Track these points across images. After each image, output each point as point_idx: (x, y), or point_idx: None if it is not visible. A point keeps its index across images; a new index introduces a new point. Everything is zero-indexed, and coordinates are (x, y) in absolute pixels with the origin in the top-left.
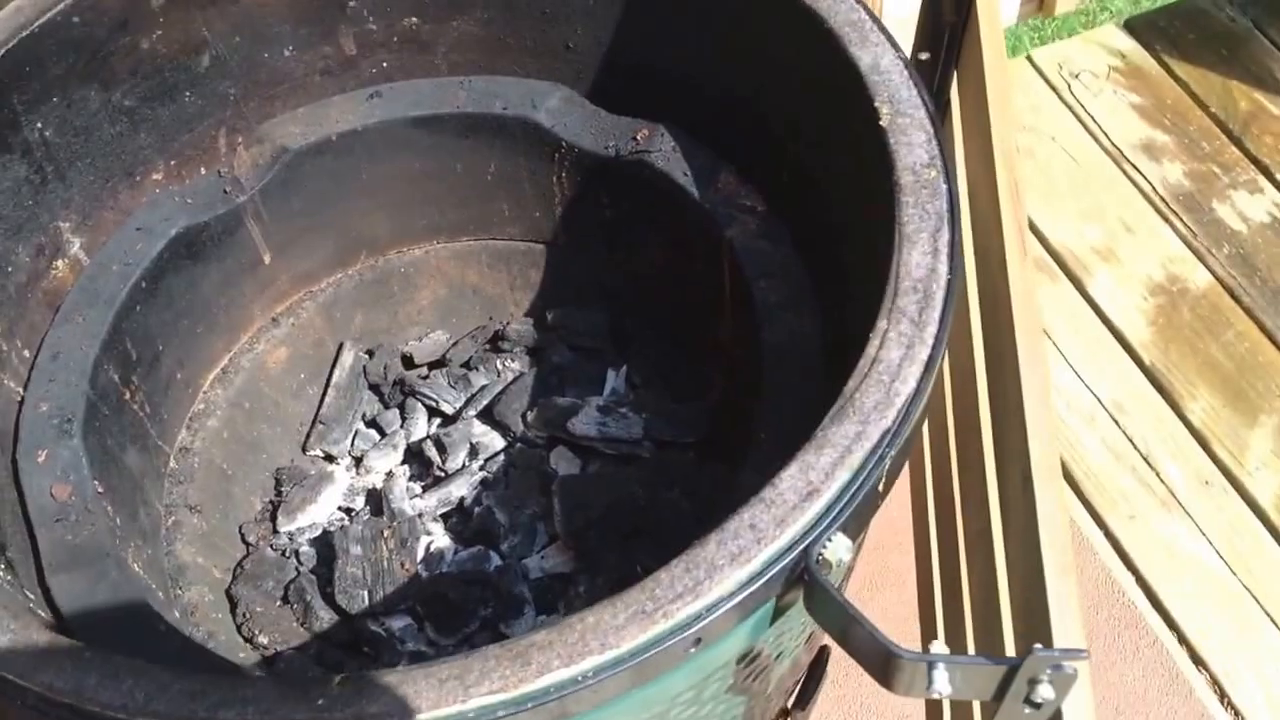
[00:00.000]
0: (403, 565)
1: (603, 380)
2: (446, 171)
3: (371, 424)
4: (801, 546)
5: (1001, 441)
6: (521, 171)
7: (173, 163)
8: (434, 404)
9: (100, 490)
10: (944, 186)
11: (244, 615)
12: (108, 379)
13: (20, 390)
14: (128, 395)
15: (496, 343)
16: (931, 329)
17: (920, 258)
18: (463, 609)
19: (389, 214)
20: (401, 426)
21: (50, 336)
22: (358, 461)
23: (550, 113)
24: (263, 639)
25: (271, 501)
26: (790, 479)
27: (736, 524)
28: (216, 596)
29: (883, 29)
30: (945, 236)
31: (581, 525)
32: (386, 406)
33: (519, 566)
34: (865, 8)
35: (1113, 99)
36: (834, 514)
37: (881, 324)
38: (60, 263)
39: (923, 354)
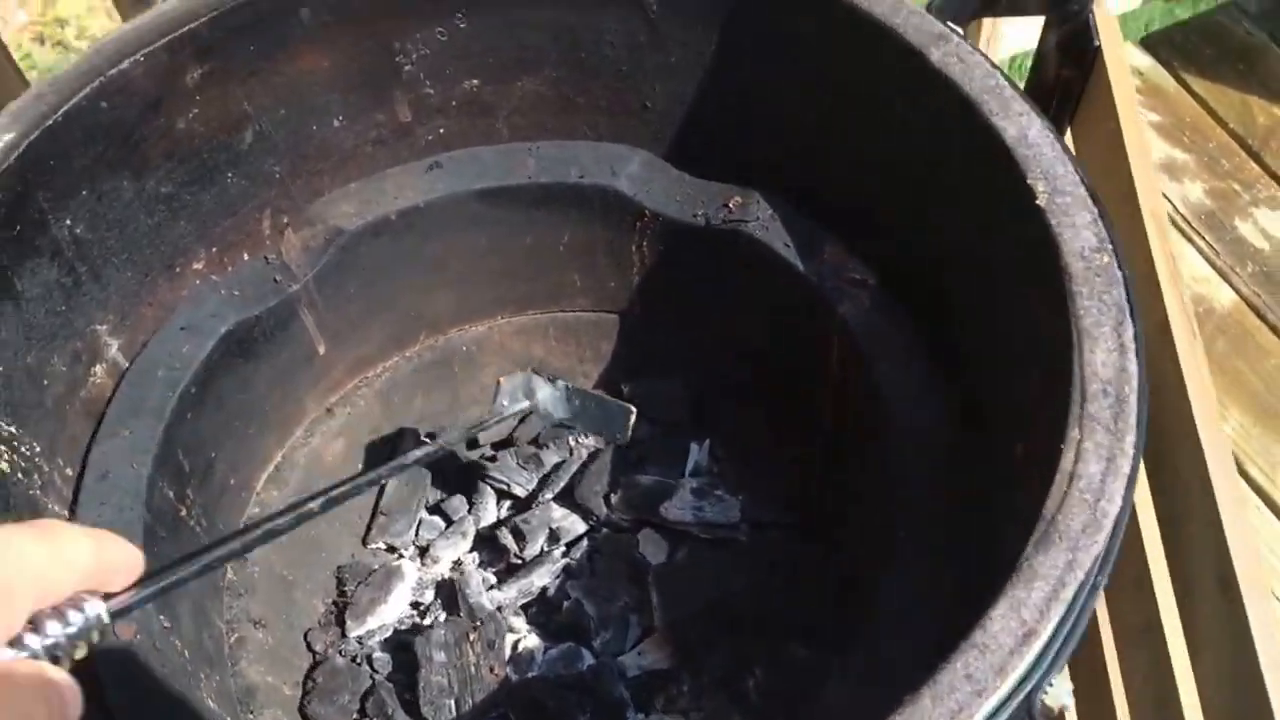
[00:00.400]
0: (491, 670)
1: (684, 454)
2: (515, 244)
3: (435, 510)
4: (1023, 694)
5: (1180, 545)
6: (598, 242)
7: (214, 250)
8: (505, 487)
9: (166, 625)
10: (1119, 273)
11: None
12: (162, 497)
13: (66, 514)
14: (183, 512)
15: None
16: (1130, 438)
17: (1106, 356)
18: (560, 717)
19: (451, 291)
20: (469, 513)
21: (95, 453)
22: (423, 552)
23: (631, 179)
24: None
25: (335, 603)
26: (1002, 619)
27: (950, 675)
28: (291, 718)
29: (1024, 96)
30: (1129, 330)
31: (683, 618)
32: (450, 492)
33: (615, 664)
34: (1002, 73)
35: None
36: (1053, 655)
37: (1073, 434)
38: (98, 368)
39: (1124, 467)
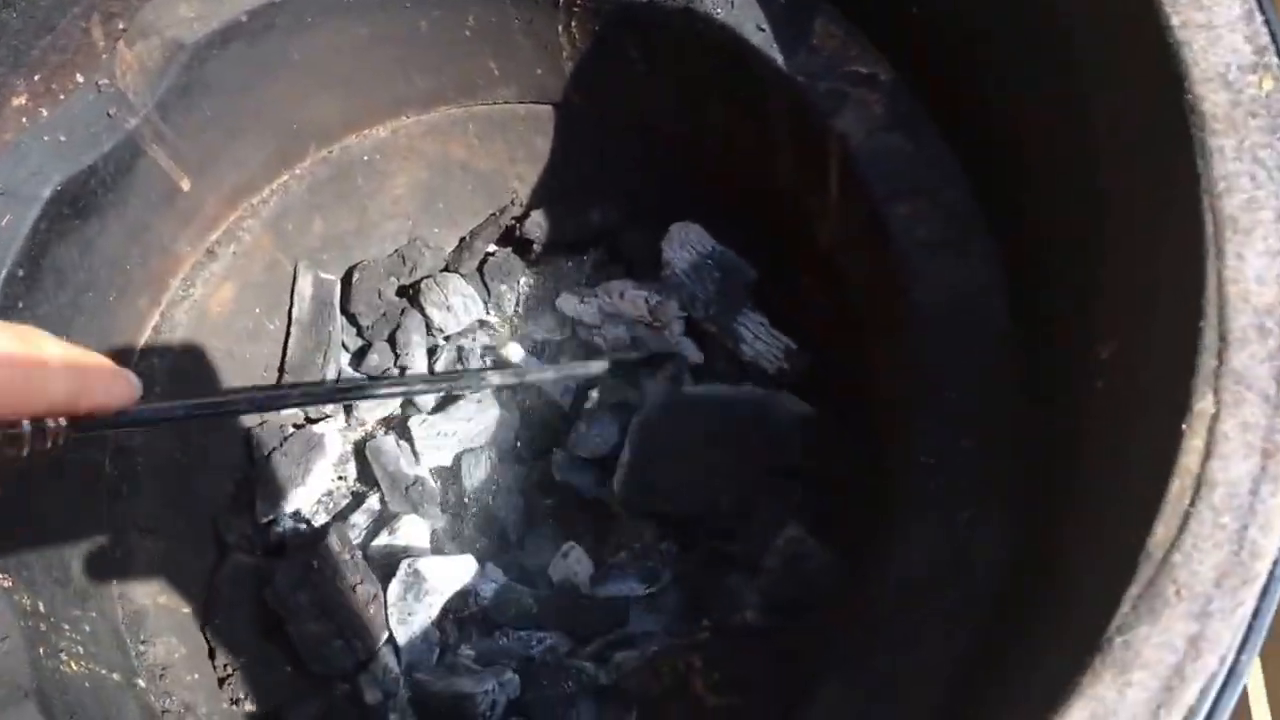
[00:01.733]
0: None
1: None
2: (407, 31)
3: (358, 356)
4: None
5: None
6: (511, 22)
7: (36, 78)
8: (432, 326)
9: (7, 584)
10: None
11: (225, 668)
12: None
13: None
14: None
15: (511, 238)
16: None
17: (1266, 265)
18: None
19: (337, 94)
20: (395, 364)
21: None
22: (348, 411)
23: None
24: (249, 705)
25: (246, 478)
26: None
27: None
28: (190, 646)
29: None
30: None
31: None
32: (362, 335)
33: None
34: None
35: None
36: None
37: (1202, 402)
38: None
39: None
